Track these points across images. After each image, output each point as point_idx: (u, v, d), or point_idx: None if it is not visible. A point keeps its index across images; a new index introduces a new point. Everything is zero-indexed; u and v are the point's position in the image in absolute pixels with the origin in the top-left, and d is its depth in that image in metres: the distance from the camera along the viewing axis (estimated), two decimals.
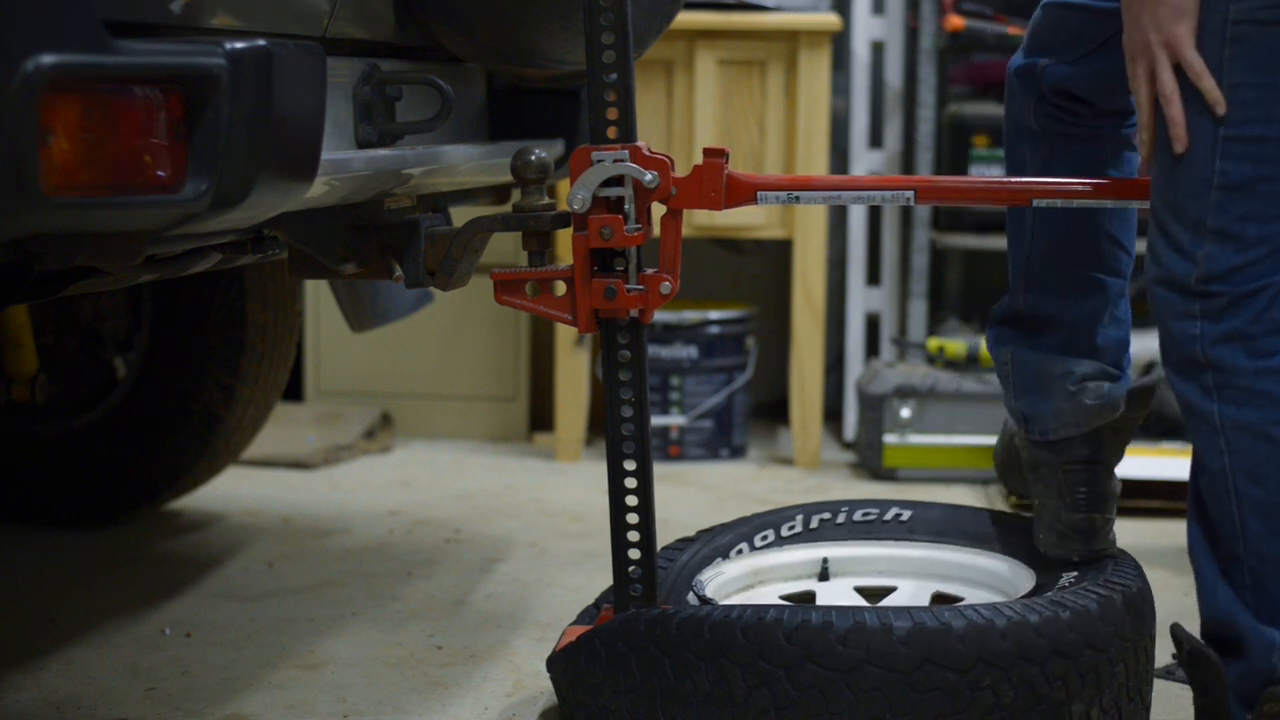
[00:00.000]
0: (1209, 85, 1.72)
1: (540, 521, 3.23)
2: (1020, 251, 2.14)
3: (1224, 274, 1.76)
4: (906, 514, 2.30)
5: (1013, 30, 3.84)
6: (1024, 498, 2.23)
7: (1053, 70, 2.06)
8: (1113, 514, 2.14)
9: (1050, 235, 2.11)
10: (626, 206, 1.94)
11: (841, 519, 2.31)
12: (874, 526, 2.30)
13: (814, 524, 2.31)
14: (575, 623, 2.14)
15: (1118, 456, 2.15)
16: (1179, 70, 1.74)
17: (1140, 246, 2.00)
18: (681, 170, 1.97)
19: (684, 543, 2.28)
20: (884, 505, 2.32)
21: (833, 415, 4.22)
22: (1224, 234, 1.75)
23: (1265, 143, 1.73)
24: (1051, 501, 2.13)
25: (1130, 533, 3.16)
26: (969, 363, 3.75)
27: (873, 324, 4.16)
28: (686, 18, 3.53)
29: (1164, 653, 2.26)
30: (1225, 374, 1.78)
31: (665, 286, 1.96)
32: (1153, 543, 3.10)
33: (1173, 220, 1.78)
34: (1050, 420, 2.12)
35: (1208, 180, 1.75)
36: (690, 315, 3.85)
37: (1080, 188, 1.97)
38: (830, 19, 3.68)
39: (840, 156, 4.19)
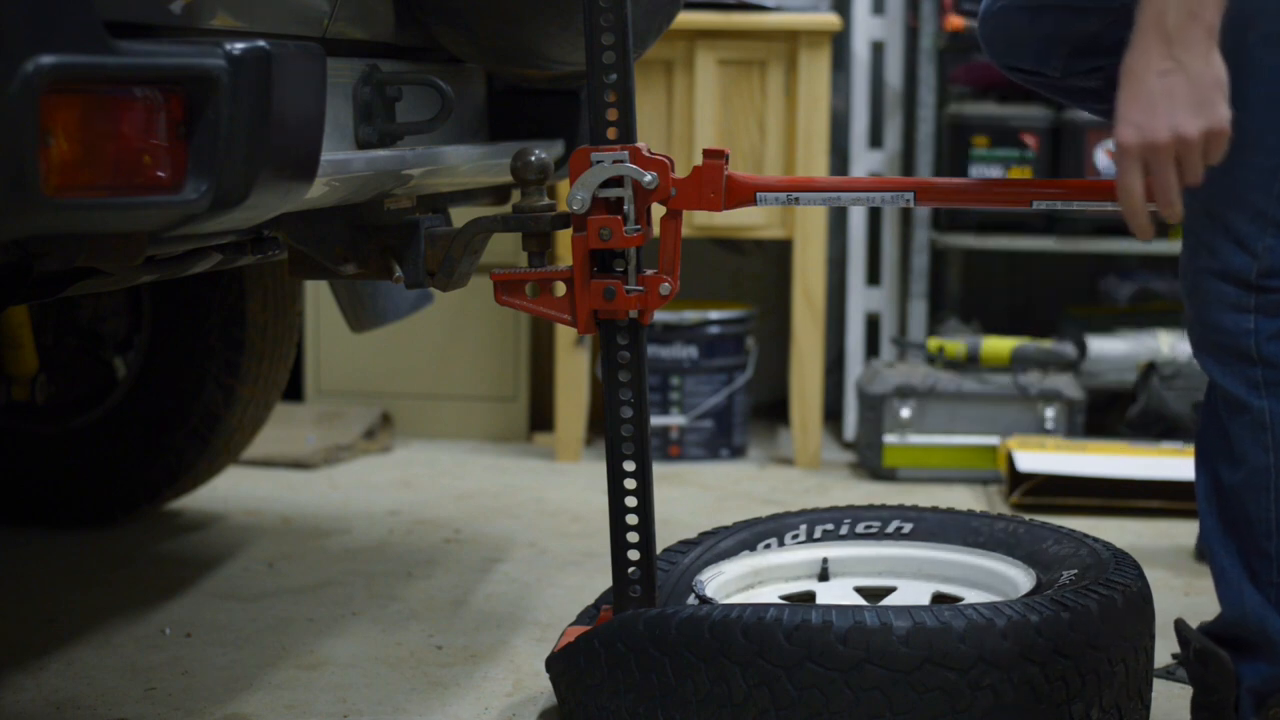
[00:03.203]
0: None
1: (540, 521, 3.23)
2: None
3: None
4: (908, 526, 2.30)
5: None
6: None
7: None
8: None
9: None
10: (626, 207, 1.94)
11: (845, 530, 2.32)
12: (876, 539, 2.30)
13: (817, 534, 2.32)
14: (575, 623, 2.14)
15: None
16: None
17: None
18: (681, 171, 1.97)
19: (686, 545, 2.28)
20: (885, 517, 2.32)
21: (833, 415, 4.23)
22: None
23: None
24: None
25: (1130, 533, 3.16)
26: (969, 363, 3.75)
27: (873, 324, 4.16)
28: (686, 18, 3.53)
29: (1164, 653, 2.26)
30: (1278, 370, 1.73)
31: (664, 288, 1.96)
32: (1153, 543, 3.10)
33: (1232, 211, 1.71)
34: None
35: (1274, 170, 1.68)
36: (690, 315, 3.85)
37: (1081, 190, 1.96)
38: (830, 19, 3.68)
39: (840, 157, 4.19)
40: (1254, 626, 1.78)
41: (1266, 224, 1.70)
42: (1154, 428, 3.59)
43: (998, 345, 3.76)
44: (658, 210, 1.99)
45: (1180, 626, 1.88)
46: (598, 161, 1.93)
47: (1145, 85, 1.54)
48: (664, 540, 2.35)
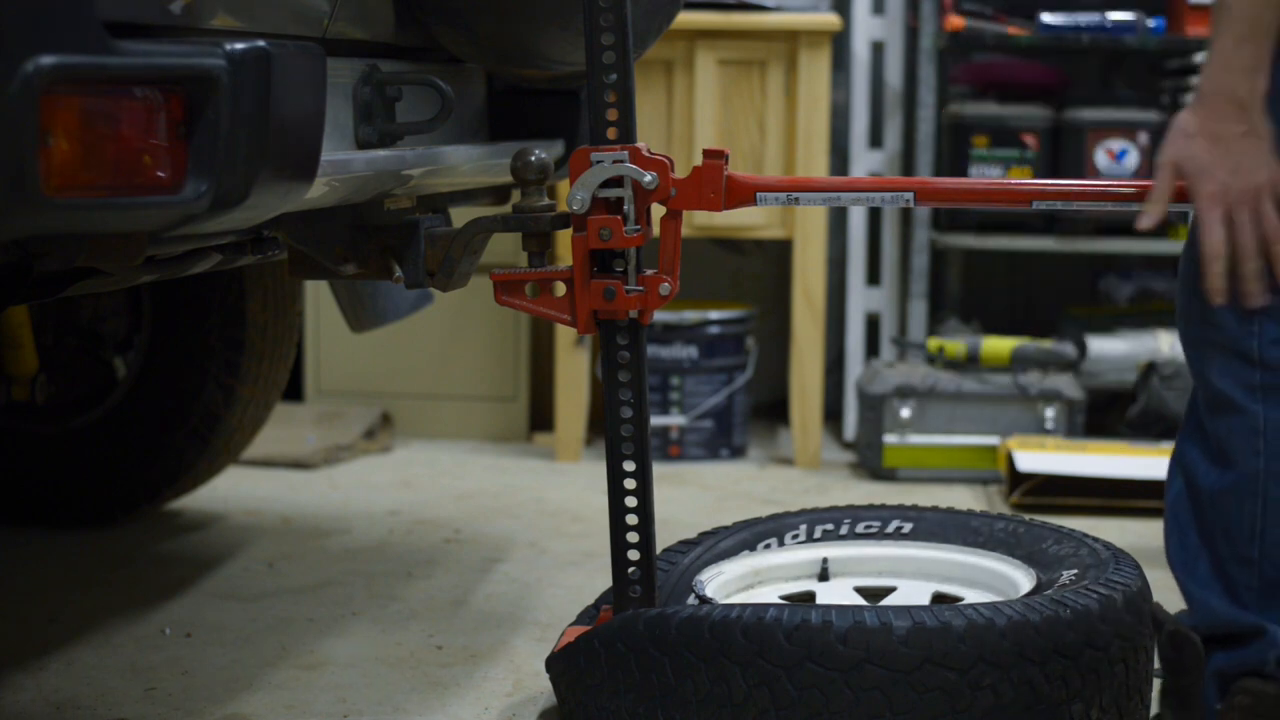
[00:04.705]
0: None
1: (540, 521, 3.24)
2: None
3: None
4: (908, 526, 2.30)
5: (1013, 30, 3.84)
6: None
7: None
8: None
9: None
10: (626, 207, 1.94)
11: (845, 530, 2.32)
12: (876, 539, 2.30)
13: (817, 534, 2.32)
14: (575, 623, 2.14)
15: None
16: None
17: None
18: (681, 171, 1.97)
19: (686, 545, 2.28)
20: (885, 517, 2.32)
21: (833, 415, 4.22)
22: None
23: None
24: None
25: (1130, 533, 3.16)
26: (969, 363, 3.75)
27: (873, 324, 4.16)
28: (686, 18, 3.53)
29: None
30: (1277, 374, 1.72)
31: (664, 288, 1.96)
32: (1153, 543, 3.09)
33: None
34: None
35: None
36: (690, 315, 3.85)
37: (1081, 190, 1.96)
38: (830, 19, 3.68)
39: (840, 156, 4.19)
40: (1221, 625, 1.78)
41: None
42: (1154, 428, 3.59)
43: (998, 345, 3.76)
44: (658, 210, 1.99)
45: (1155, 610, 1.88)
46: (598, 161, 1.93)
47: (1230, 147, 1.68)
48: (664, 540, 2.35)
